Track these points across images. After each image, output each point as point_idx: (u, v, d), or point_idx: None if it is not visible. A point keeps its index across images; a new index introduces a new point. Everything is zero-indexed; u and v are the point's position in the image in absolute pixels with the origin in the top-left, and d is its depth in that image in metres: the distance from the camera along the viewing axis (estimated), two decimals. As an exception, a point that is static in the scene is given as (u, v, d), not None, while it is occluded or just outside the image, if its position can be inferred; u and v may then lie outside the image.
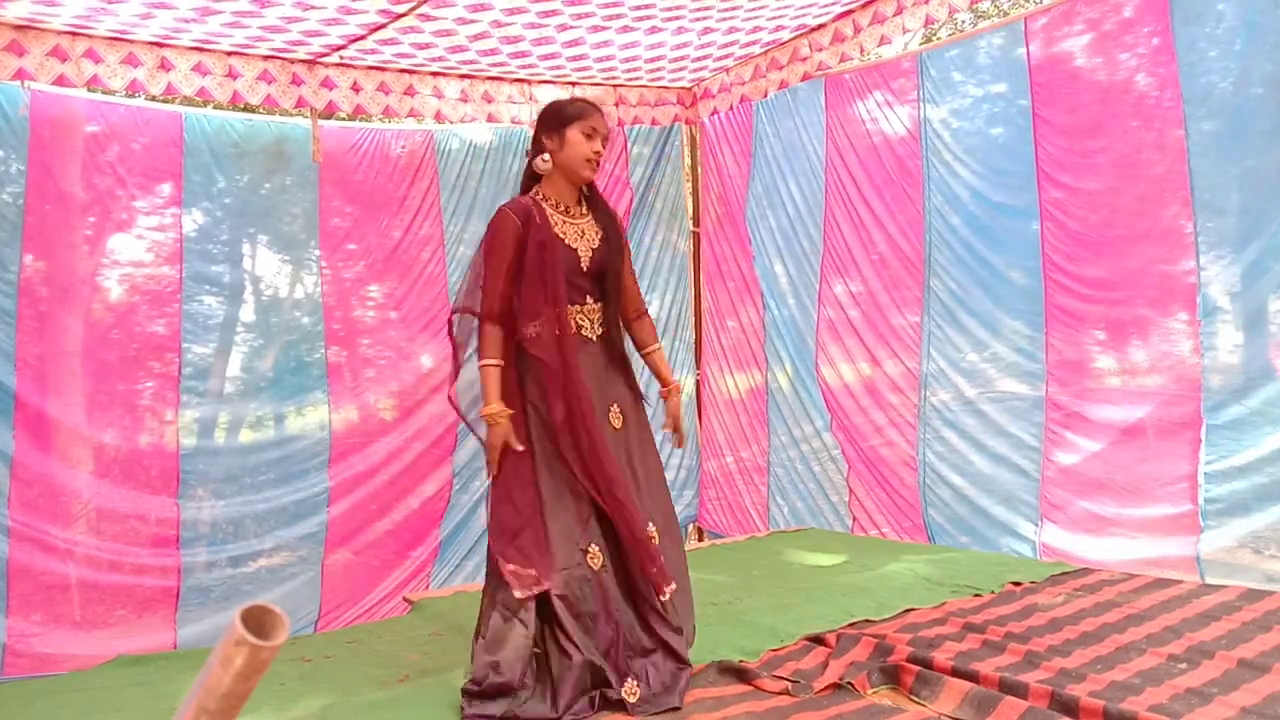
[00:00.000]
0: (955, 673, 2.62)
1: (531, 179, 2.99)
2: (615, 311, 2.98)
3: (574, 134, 2.86)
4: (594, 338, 2.92)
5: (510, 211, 2.88)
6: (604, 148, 2.93)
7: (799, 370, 5.61)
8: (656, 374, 3.15)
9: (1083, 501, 4.21)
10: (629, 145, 5.85)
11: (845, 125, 5.18)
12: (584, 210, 2.98)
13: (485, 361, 2.81)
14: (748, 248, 5.82)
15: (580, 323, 2.89)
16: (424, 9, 4.02)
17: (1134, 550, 3.99)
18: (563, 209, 2.92)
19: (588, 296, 2.91)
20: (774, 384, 5.82)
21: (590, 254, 2.91)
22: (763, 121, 5.64)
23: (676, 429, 3.10)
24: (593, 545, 2.75)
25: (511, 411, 2.78)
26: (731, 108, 5.54)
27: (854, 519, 5.28)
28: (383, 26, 4.19)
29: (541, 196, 2.93)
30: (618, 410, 2.92)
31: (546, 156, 2.90)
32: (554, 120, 2.90)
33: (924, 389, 4.85)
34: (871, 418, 5.10)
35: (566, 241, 2.87)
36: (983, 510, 4.58)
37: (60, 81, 4.07)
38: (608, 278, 2.95)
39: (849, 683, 2.68)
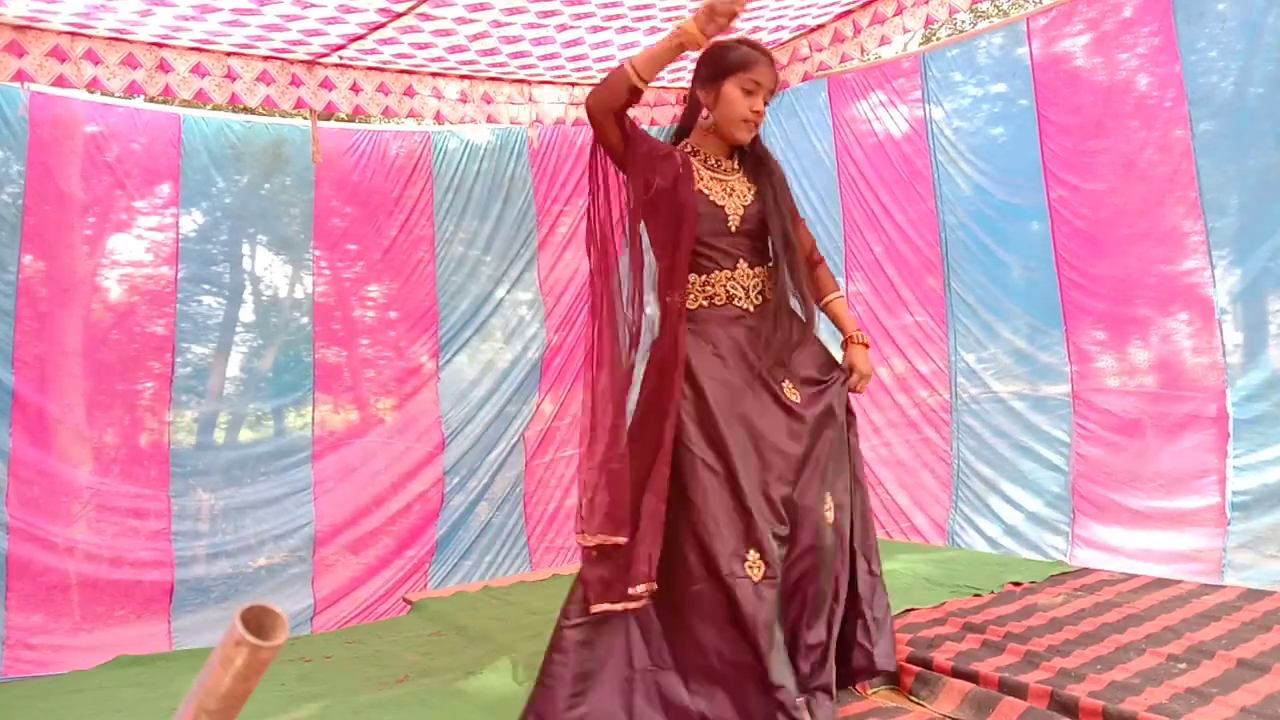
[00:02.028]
0: (955, 673, 2.63)
1: (681, 131, 2.69)
2: (784, 276, 2.57)
3: (732, 89, 2.51)
4: (751, 307, 2.56)
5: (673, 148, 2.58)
6: (768, 104, 2.57)
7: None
8: (836, 322, 2.77)
9: (1114, 494, 4.22)
10: None
11: (851, 125, 5.20)
12: (736, 165, 2.64)
13: (618, 68, 2.40)
14: None
15: (732, 291, 2.54)
16: (424, 8, 4.02)
17: (1164, 542, 4.01)
18: (713, 163, 2.59)
19: (740, 261, 2.55)
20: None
21: (741, 212, 2.55)
22: (768, 122, 5.65)
23: (858, 386, 2.70)
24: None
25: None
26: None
27: None
28: (382, 26, 4.19)
29: (690, 150, 2.61)
30: (791, 385, 2.54)
31: (706, 114, 2.57)
32: (711, 70, 2.55)
33: (954, 385, 4.87)
34: (906, 414, 5.10)
35: (712, 199, 2.53)
36: (1018, 504, 4.58)
37: (60, 82, 4.07)
38: (770, 238, 2.59)
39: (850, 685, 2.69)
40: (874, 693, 2.64)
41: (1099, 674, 2.57)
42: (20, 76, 3.97)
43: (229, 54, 4.42)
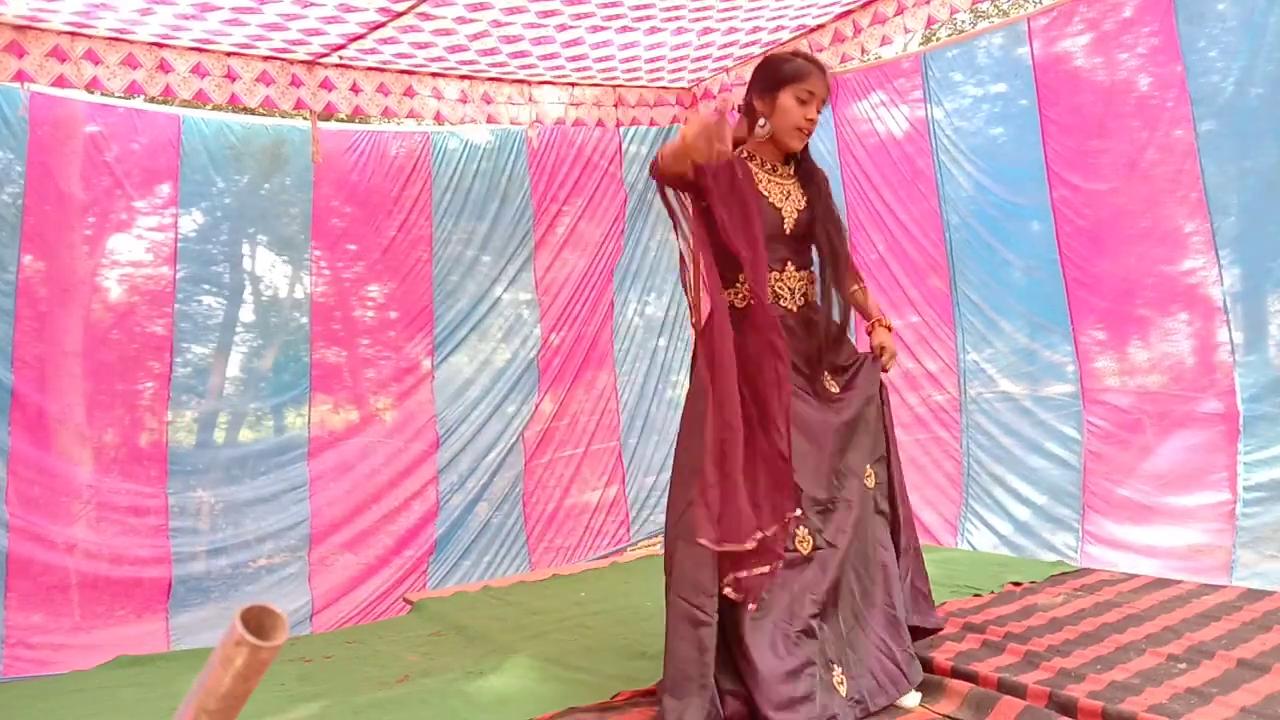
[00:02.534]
0: (955, 673, 2.63)
1: (738, 140, 2.72)
2: (830, 280, 2.69)
3: (787, 99, 2.62)
4: (794, 308, 2.66)
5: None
6: (820, 111, 2.66)
7: None
8: (860, 310, 2.91)
9: (1124, 491, 4.24)
10: (624, 146, 5.87)
11: (853, 125, 5.21)
12: (790, 170, 2.75)
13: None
14: None
15: (779, 291, 2.64)
16: (424, 7, 4.02)
17: (1175, 538, 4.03)
18: (769, 167, 2.70)
19: (788, 263, 2.66)
20: None
21: (795, 215, 2.66)
22: None
23: (881, 354, 2.83)
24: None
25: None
26: (734, 108, 5.54)
27: None
28: (382, 25, 4.19)
29: (747, 155, 2.70)
30: (829, 377, 2.68)
31: (763, 122, 2.65)
32: (767, 80, 2.66)
33: (963, 383, 4.88)
34: (915, 413, 5.11)
35: (771, 200, 2.62)
36: (1028, 500, 4.59)
37: (60, 82, 4.07)
38: (817, 243, 2.70)
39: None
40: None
41: (1099, 674, 2.57)
42: (20, 77, 3.98)
43: (229, 54, 4.42)
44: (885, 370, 2.82)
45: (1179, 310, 4.13)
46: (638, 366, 5.94)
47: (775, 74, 2.64)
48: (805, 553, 2.47)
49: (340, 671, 3.24)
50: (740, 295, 2.60)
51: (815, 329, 2.68)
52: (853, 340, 2.84)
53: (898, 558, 2.72)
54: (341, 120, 5.25)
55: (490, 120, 5.22)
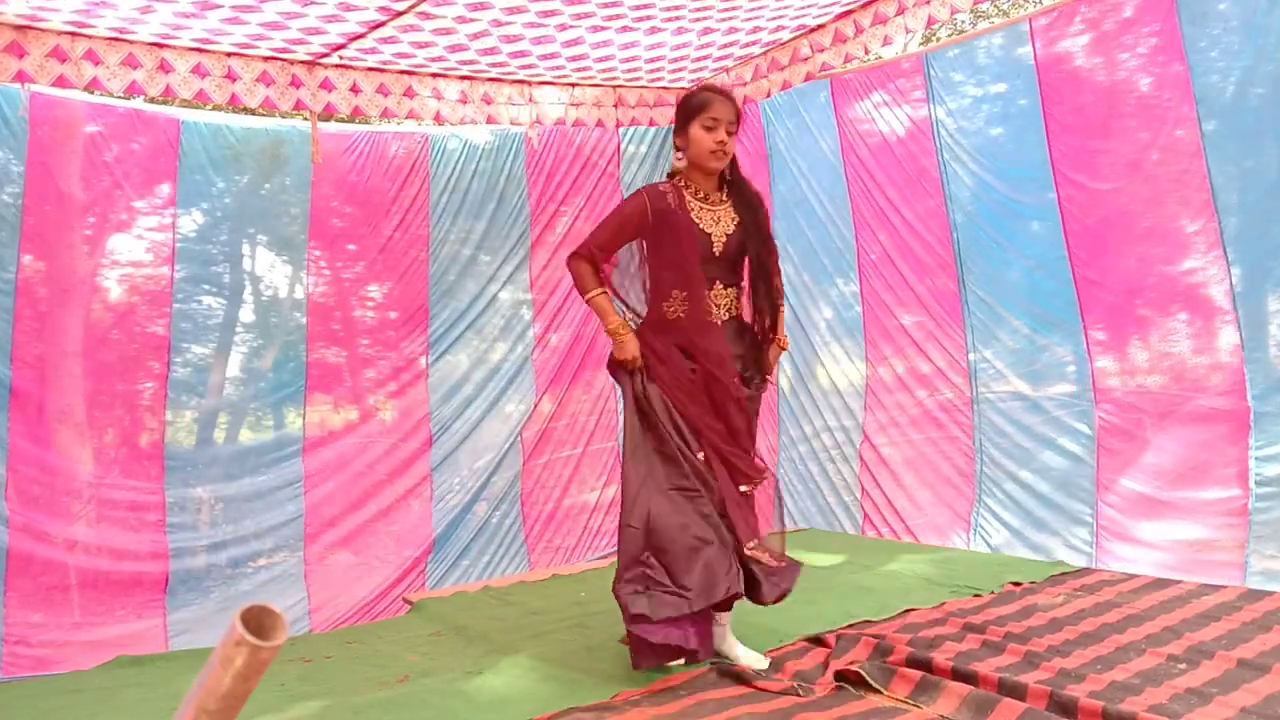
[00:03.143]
0: (955, 674, 2.62)
1: (674, 173, 3.08)
2: (757, 296, 3.05)
3: (697, 129, 2.94)
4: (719, 322, 3.00)
5: (647, 190, 3.01)
6: (732, 132, 2.95)
7: (815, 370, 5.66)
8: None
9: (1137, 486, 4.25)
10: (622, 146, 5.87)
11: (856, 125, 5.23)
12: (724, 196, 3.05)
13: (589, 295, 3.00)
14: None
15: (708, 306, 2.98)
16: (424, 6, 4.02)
17: (1188, 533, 4.05)
18: (701, 195, 3.01)
19: (717, 282, 2.99)
20: (783, 383, 5.84)
21: (724, 240, 2.97)
22: (773, 122, 5.68)
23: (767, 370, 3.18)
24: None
25: (630, 330, 3.00)
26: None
27: (865, 515, 5.30)
28: (382, 24, 4.18)
29: (684, 183, 3.02)
30: (739, 384, 3.02)
31: (680, 155, 3.01)
32: (681, 116, 3.00)
33: (974, 380, 4.89)
34: (928, 410, 5.12)
35: (701, 226, 2.95)
36: (1041, 495, 4.60)
37: (60, 82, 4.07)
38: (747, 263, 3.03)
39: (848, 683, 2.68)
40: (873, 693, 2.64)
41: (1099, 674, 2.57)
42: (21, 77, 3.97)
43: (229, 54, 4.42)
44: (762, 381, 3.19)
45: (1186, 308, 4.14)
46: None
47: (684, 109, 2.99)
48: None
49: (340, 671, 3.24)
50: (676, 308, 2.97)
51: (743, 338, 3.06)
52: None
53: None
54: (341, 120, 5.25)
55: (490, 121, 5.22)
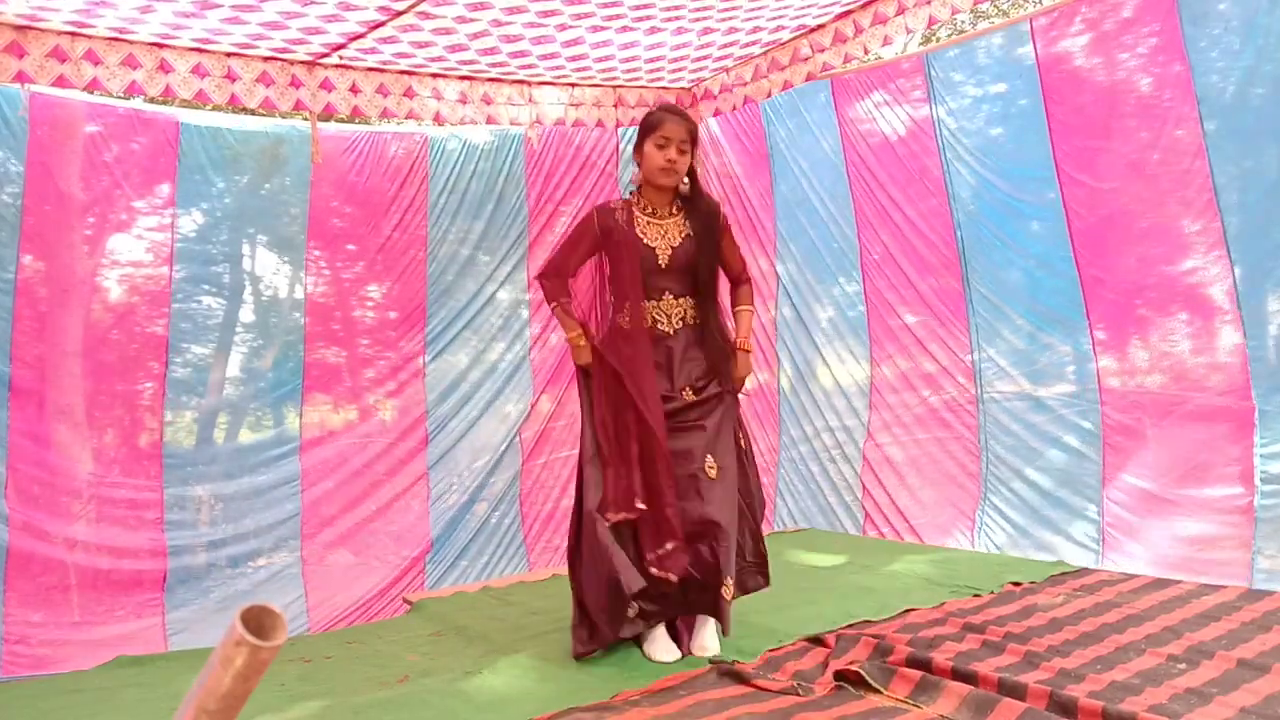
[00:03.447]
0: (954, 674, 2.62)
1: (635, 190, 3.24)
2: (706, 306, 3.16)
3: (649, 147, 3.07)
4: (671, 330, 3.12)
5: (596, 209, 3.19)
6: (684, 151, 3.07)
7: (817, 369, 5.66)
8: (735, 329, 3.30)
9: (1143, 483, 4.26)
10: (621, 146, 5.88)
11: (859, 125, 5.24)
12: (674, 211, 3.17)
13: (552, 305, 3.22)
14: (766, 248, 5.85)
15: (655, 317, 3.11)
16: (424, 6, 4.02)
17: (1194, 530, 4.06)
18: (650, 210, 3.15)
19: (666, 293, 3.12)
20: (784, 383, 5.84)
21: (669, 252, 3.11)
22: (773, 122, 5.68)
23: (736, 383, 3.23)
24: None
25: (585, 340, 3.16)
26: (735, 108, 5.55)
27: (866, 515, 5.30)
28: (382, 24, 4.18)
29: (635, 199, 3.18)
30: (690, 391, 3.10)
31: (635, 171, 3.17)
32: (638, 135, 3.13)
33: (979, 379, 4.89)
34: (933, 409, 5.13)
35: (646, 241, 3.09)
36: (1047, 493, 4.61)
37: (60, 83, 4.06)
38: (697, 275, 3.14)
39: (848, 683, 2.68)
40: (872, 692, 2.64)
41: (1099, 674, 2.57)
42: (21, 78, 3.97)
43: (229, 54, 4.42)
44: (737, 390, 3.25)
45: (1189, 307, 4.15)
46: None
47: (640, 130, 3.12)
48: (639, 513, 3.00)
49: (340, 671, 3.24)
50: (625, 319, 3.11)
51: (694, 346, 3.15)
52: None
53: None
54: (341, 121, 5.26)
55: (490, 121, 5.23)
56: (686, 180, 3.15)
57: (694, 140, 3.10)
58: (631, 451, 3.03)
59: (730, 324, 3.35)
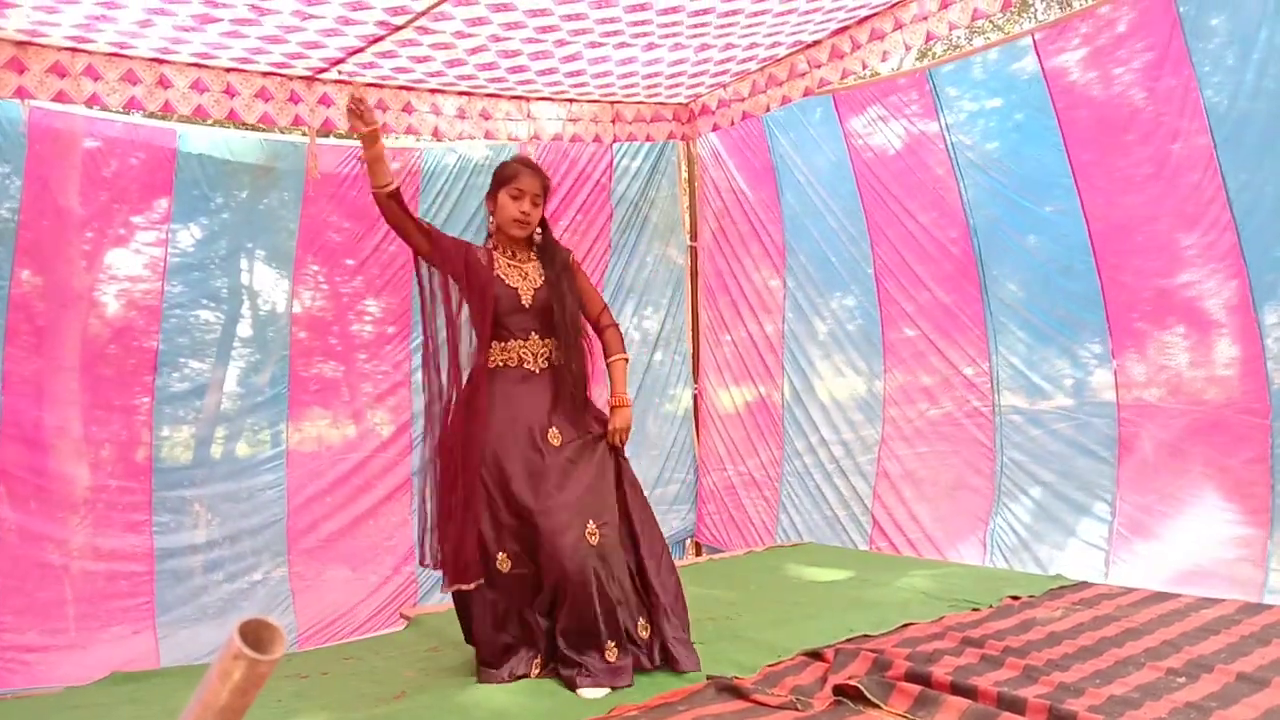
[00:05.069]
0: (953, 688, 2.62)
1: (490, 234, 3.27)
2: (566, 347, 3.16)
3: (504, 197, 3.14)
4: (537, 370, 3.15)
5: (471, 245, 3.20)
6: (537, 204, 3.15)
7: (826, 380, 5.69)
8: (610, 382, 3.30)
9: (1158, 495, 4.27)
10: (615, 162, 5.89)
11: (863, 139, 5.26)
12: (532, 255, 3.24)
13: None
14: (773, 259, 5.86)
15: (523, 356, 3.14)
16: (422, 21, 4.04)
17: (1210, 534, 4.07)
18: (510, 254, 3.20)
19: (532, 333, 3.15)
20: (789, 396, 5.84)
21: (532, 293, 3.15)
22: (776, 135, 5.70)
23: (612, 438, 3.22)
24: (500, 552, 2.99)
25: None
26: (733, 123, 5.57)
27: (875, 525, 5.29)
28: (381, 39, 4.20)
29: (494, 245, 3.23)
30: (556, 432, 3.09)
31: (490, 218, 3.22)
32: (491, 184, 3.19)
33: (996, 388, 4.90)
34: (950, 417, 5.13)
35: (507, 281, 3.13)
36: (1063, 495, 4.62)
37: (59, 98, 4.08)
38: (555, 316, 3.15)
39: (847, 697, 2.68)
40: (871, 707, 2.63)
41: (1098, 688, 2.57)
42: (21, 93, 3.99)
43: (228, 70, 4.43)
44: (617, 446, 3.23)
45: (1206, 318, 4.16)
46: (633, 380, 5.95)
47: (495, 178, 3.18)
48: (505, 571, 2.99)
49: (337, 688, 3.22)
50: (493, 359, 3.12)
51: (560, 386, 3.15)
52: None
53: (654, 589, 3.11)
54: (340, 136, 5.28)
55: (488, 136, 5.25)
56: (540, 230, 3.24)
57: (546, 193, 3.19)
58: (477, 511, 2.99)
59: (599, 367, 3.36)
